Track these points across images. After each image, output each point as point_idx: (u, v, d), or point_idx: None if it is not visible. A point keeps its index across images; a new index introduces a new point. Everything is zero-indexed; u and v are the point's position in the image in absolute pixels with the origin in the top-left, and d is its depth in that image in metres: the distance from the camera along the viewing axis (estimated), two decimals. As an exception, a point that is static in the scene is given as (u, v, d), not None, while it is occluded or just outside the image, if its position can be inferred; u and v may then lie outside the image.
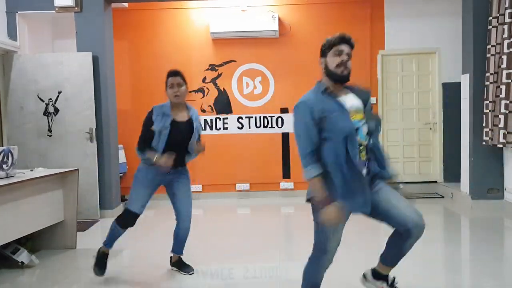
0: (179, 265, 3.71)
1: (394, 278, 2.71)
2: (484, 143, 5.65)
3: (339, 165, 2.35)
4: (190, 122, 3.46)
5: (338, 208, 2.32)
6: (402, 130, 7.01)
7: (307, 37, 6.89)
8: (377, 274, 2.71)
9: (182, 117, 3.43)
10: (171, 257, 3.78)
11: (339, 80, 2.50)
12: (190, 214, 3.61)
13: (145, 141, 3.44)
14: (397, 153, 7.00)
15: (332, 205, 2.33)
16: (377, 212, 2.46)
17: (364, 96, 2.57)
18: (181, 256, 3.74)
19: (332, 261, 2.56)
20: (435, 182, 7.00)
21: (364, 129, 2.44)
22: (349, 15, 6.84)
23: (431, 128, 6.99)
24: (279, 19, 6.74)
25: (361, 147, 2.40)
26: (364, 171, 2.43)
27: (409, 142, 7.03)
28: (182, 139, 3.41)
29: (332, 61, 2.52)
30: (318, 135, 2.39)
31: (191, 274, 3.63)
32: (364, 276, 2.77)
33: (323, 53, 2.59)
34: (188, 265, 3.71)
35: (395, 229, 2.52)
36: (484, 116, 5.63)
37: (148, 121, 3.43)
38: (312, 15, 6.88)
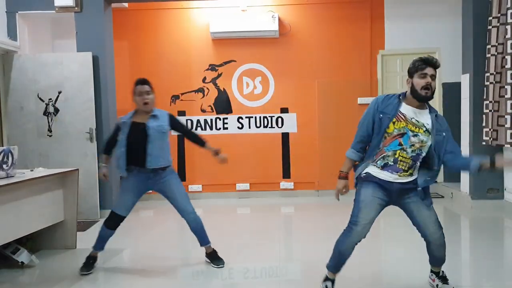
0: (212, 257, 3.82)
1: (443, 272, 3.27)
2: (484, 143, 5.65)
3: (370, 157, 2.92)
4: (147, 125, 3.64)
5: (346, 184, 3.01)
6: (402, 130, 7.00)
7: (307, 37, 6.90)
8: (431, 271, 3.31)
9: (141, 119, 3.66)
10: (205, 248, 3.87)
11: (422, 100, 2.81)
12: (189, 207, 3.75)
13: (107, 144, 3.84)
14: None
15: (343, 180, 3.01)
16: (411, 219, 2.98)
17: (441, 123, 2.92)
18: (214, 249, 3.84)
19: (361, 236, 2.87)
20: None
21: (413, 140, 2.80)
22: (349, 15, 6.85)
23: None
24: (279, 19, 6.74)
25: (402, 152, 2.81)
26: (396, 177, 2.84)
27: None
28: (139, 140, 3.58)
29: (418, 84, 2.77)
30: (372, 131, 2.91)
31: (220, 267, 3.73)
32: (429, 276, 3.33)
33: (410, 74, 2.83)
34: (220, 258, 3.81)
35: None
36: (484, 116, 5.63)
37: (116, 128, 3.80)
38: (312, 15, 6.88)
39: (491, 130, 5.46)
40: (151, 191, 3.84)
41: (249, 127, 6.99)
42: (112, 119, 5.93)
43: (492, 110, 5.46)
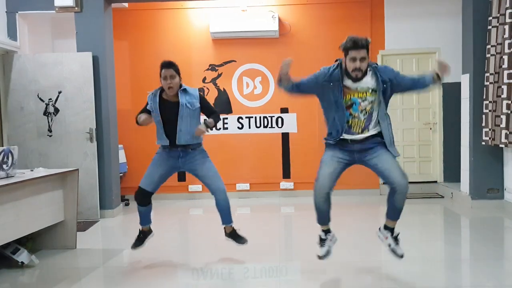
0: (233, 236, 3.93)
1: (398, 234, 3.39)
2: (483, 143, 5.65)
3: (331, 128, 3.27)
4: (178, 103, 3.68)
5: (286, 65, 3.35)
6: (402, 130, 7.01)
7: (307, 37, 6.90)
8: (385, 227, 3.43)
9: (171, 98, 3.72)
10: (224, 228, 3.96)
11: (354, 80, 3.12)
12: (221, 186, 3.80)
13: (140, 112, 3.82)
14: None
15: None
16: (376, 172, 3.27)
17: (385, 72, 3.17)
18: (234, 228, 3.94)
19: (322, 189, 3.24)
20: (435, 182, 7.00)
21: (363, 105, 3.12)
22: (349, 15, 6.84)
23: (431, 128, 7.00)
24: (279, 19, 6.74)
25: (354, 119, 3.15)
26: (355, 137, 3.18)
27: (409, 142, 7.03)
28: (172, 118, 3.64)
29: (349, 65, 3.08)
30: (310, 86, 3.39)
31: (245, 243, 3.88)
32: (379, 229, 3.47)
33: (344, 52, 3.14)
34: (242, 236, 3.93)
35: (389, 188, 3.23)
36: (484, 116, 5.63)
37: (146, 104, 3.83)
38: (312, 15, 6.88)
39: (490, 130, 5.47)
40: (182, 170, 3.89)
41: (249, 127, 6.99)
42: (112, 119, 5.93)
43: (491, 110, 5.46)
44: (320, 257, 3.39)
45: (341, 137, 3.21)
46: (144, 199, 3.80)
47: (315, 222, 4.69)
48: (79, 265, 4.04)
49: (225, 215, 3.89)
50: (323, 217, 3.40)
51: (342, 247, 4.27)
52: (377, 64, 3.28)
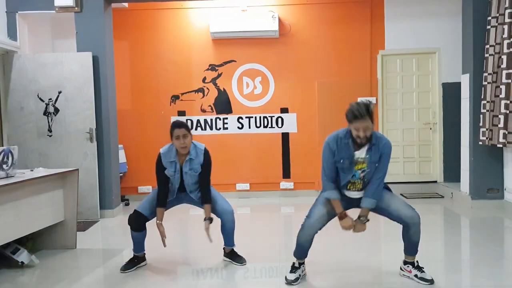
0: (232, 256, 3.90)
1: (417, 262, 3.43)
2: (480, 142, 5.66)
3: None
4: (186, 162, 3.69)
5: (351, 220, 3.27)
6: (402, 130, 7.01)
7: (307, 37, 6.90)
8: (405, 262, 3.47)
9: (180, 157, 3.71)
10: (224, 249, 3.95)
11: (360, 145, 3.20)
12: (229, 207, 3.80)
13: (162, 196, 3.74)
14: (397, 153, 7.00)
15: (347, 218, 3.27)
16: (383, 214, 3.34)
17: (376, 155, 3.21)
18: (233, 248, 3.92)
19: (308, 232, 3.32)
20: (435, 182, 7.00)
21: (361, 175, 3.26)
22: (349, 15, 6.85)
23: (431, 128, 6.99)
24: (279, 19, 6.74)
25: (351, 184, 3.31)
26: (357, 195, 3.34)
27: (409, 142, 7.03)
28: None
29: (353, 133, 3.14)
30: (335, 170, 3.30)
31: (243, 264, 3.81)
32: (400, 268, 3.50)
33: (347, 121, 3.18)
34: (241, 256, 3.89)
35: (402, 226, 3.31)
36: (481, 116, 5.63)
37: (160, 166, 3.70)
38: (312, 15, 6.88)
39: (488, 130, 5.47)
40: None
41: (249, 127, 6.99)
42: (112, 119, 5.93)
43: (489, 110, 5.46)
44: (288, 282, 3.36)
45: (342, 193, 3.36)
46: (139, 224, 3.70)
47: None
48: (79, 265, 4.04)
49: (230, 236, 3.88)
50: (302, 252, 3.44)
51: (342, 247, 4.28)
52: (380, 136, 3.30)
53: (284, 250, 4.33)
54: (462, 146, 6.19)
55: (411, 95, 7.00)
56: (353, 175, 3.25)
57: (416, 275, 3.37)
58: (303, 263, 3.49)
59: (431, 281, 3.29)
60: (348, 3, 6.84)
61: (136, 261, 3.82)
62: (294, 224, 5.56)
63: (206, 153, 3.76)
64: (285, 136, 6.98)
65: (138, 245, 3.80)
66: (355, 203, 3.37)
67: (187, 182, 3.72)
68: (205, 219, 3.65)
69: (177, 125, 3.62)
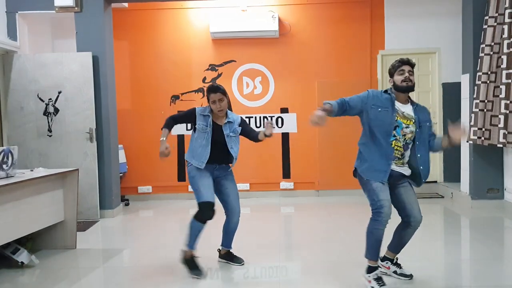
0: (229, 257, 3.91)
1: (397, 258, 3.49)
2: (471, 142, 5.66)
3: (374, 145, 3.27)
4: (226, 124, 3.82)
5: (322, 114, 3.02)
6: (402, 130, 7.00)
7: (307, 37, 6.90)
8: (384, 258, 3.50)
9: (220, 121, 3.81)
10: (219, 250, 3.96)
11: (404, 91, 3.23)
12: (239, 209, 3.85)
13: (175, 119, 3.86)
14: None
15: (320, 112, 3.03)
16: (396, 201, 3.28)
17: (424, 113, 3.30)
18: (230, 250, 3.93)
19: (388, 216, 3.11)
20: (435, 182, 7.00)
21: (405, 130, 3.18)
22: (349, 15, 6.85)
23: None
24: (279, 19, 6.74)
25: (396, 142, 3.18)
26: (391, 163, 3.21)
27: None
28: (221, 140, 3.73)
29: (397, 79, 3.22)
30: (353, 110, 3.30)
31: (242, 264, 3.83)
32: (378, 266, 3.32)
33: (391, 74, 3.29)
34: (239, 257, 3.90)
35: (401, 220, 3.32)
36: (473, 115, 5.62)
37: (190, 113, 3.79)
38: (312, 15, 6.89)
39: (484, 129, 5.46)
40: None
41: (249, 127, 6.98)
42: (112, 119, 5.93)
43: (485, 110, 5.46)
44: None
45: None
46: (211, 211, 3.56)
47: (315, 222, 4.69)
48: (79, 265, 4.04)
49: (230, 237, 3.88)
50: (379, 251, 3.24)
51: (342, 246, 4.28)
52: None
53: (284, 250, 4.33)
54: (462, 146, 6.19)
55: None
56: (396, 126, 3.17)
57: (395, 272, 3.44)
58: (377, 267, 3.28)
59: (410, 276, 3.40)
60: (348, 3, 6.84)
61: (193, 260, 3.67)
62: (294, 224, 5.56)
63: (242, 118, 4.03)
64: (285, 136, 6.98)
65: (194, 240, 3.63)
66: (392, 179, 3.24)
67: (230, 144, 3.78)
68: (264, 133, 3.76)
69: (212, 90, 3.70)
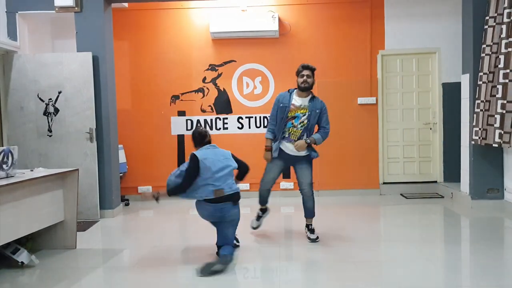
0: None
1: (311, 225, 4.63)
2: (473, 142, 5.66)
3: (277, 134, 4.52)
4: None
5: (270, 154, 4.56)
6: (402, 130, 7.01)
7: (307, 37, 6.90)
8: (306, 226, 4.67)
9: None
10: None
11: (302, 90, 4.44)
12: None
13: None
14: (397, 153, 7.01)
15: (268, 152, 4.58)
16: (297, 176, 4.58)
17: (316, 104, 4.44)
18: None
19: (267, 186, 4.78)
20: (435, 182, 7.00)
21: (303, 119, 4.39)
22: (349, 15, 6.85)
23: (431, 128, 7.00)
24: (279, 19, 6.75)
25: (294, 129, 4.41)
26: (289, 145, 4.45)
27: (409, 142, 7.03)
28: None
29: (298, 80, 4.44)
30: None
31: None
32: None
33: (296, 75, 4.50)
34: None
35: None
36: (475, 115, 5.63)
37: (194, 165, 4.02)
38: (312, 15, 6.89)
39: (481, 129, 5.47)
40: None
41: (249, 127, 6.99)
42: (112, 119, 5.93)
43: (483, 110, 5.46)
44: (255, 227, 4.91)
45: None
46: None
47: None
48: (79, 265, 4.04)
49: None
50: (264, 201, 4.91)
51: (342, 246, 4.28)
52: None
53: (284, 250, 4.33)
54: (462, 146, 6.19)
55: (411, 95, 7.00)
56: (294, 117, 4.37)
57: (307, 235, 4.54)
58: (265, 209, 4.90)
59: (313, 240, 4.43)
60: (348, 3, 6.84)
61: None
62: (294, 224, 5.56)
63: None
64: (285, 136, 6.97)
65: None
66: (290, 161, 4.53)
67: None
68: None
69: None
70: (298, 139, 4.39)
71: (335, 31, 6.89)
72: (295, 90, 4.49)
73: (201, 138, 4.07)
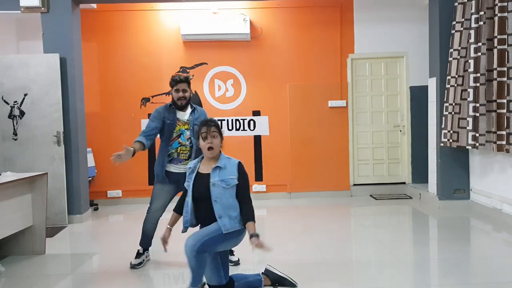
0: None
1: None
2: (442, 144, 5.82)
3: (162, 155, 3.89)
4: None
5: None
6: (372, 133, 7.13)
7: (278, 41, 6.94)
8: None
9: (206, 169, 3.33)
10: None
11: (179, 108, 3.88)
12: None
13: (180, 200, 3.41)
14: (366, 155, 7.12)
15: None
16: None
17: (198, 114, 3.89)
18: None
19: (155, 218, 3.94)
20: (404, 183, 7.14)
21: (188, 134, 3.84)
22: (319, 19, 6.92)
23: (400, 131, 7.14)
24: (250, 22, 6.76)
25: (182, 147, 3.84)
26: (181, 167, 3.80)
27: (378, 144, 7.16)
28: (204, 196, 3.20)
29: (175, 95, 3.86)
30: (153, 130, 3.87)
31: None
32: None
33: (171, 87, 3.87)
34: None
35: None
36: (444, 118, 5.78)
37: None
38: (283, 18, 6.93)
39: (451, 132, 5.62)
40: None
41: (221, 130, 6.96)
42: (81, 122, 5.81)
43: (453, 112, 5.61)
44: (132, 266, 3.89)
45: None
46: None
47: (287, 224, 4.70)
48: (48, 272, 3.92)
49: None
50: (149, 240, 4.07)
51: (315, 247, 4.31)
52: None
53: (257, 253, 4.31)
54: (429, 148, 6.35)
55: (380, 98, 7.13)
56: (180, 134, 3.83)
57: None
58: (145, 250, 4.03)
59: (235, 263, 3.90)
60: (319, 7, 6.92)
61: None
62: (266, 227, 5.56)
63: (240, 163, 3.61)
64: (258, 139, 6.99)
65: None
66: (181, 182, 3.40)
67: (217, 199, 3.16)
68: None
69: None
70: (189, 157, 3.78)
71: (306, 35, 6.95)
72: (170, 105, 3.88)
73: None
